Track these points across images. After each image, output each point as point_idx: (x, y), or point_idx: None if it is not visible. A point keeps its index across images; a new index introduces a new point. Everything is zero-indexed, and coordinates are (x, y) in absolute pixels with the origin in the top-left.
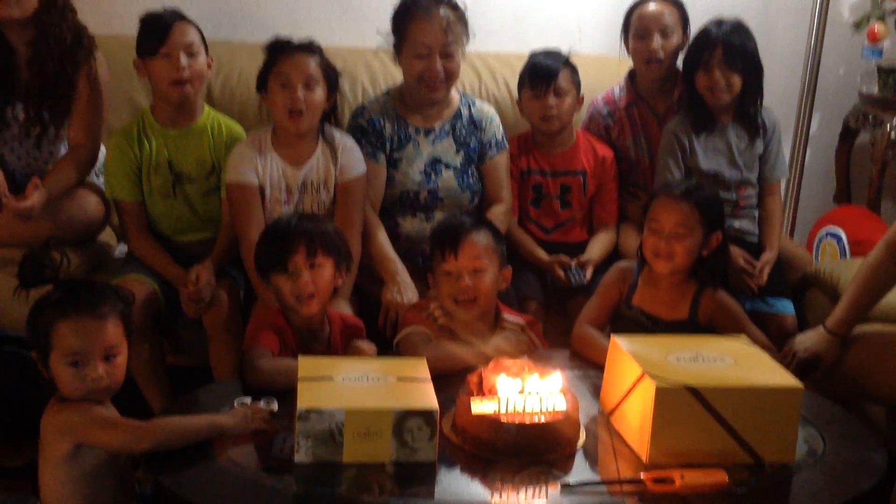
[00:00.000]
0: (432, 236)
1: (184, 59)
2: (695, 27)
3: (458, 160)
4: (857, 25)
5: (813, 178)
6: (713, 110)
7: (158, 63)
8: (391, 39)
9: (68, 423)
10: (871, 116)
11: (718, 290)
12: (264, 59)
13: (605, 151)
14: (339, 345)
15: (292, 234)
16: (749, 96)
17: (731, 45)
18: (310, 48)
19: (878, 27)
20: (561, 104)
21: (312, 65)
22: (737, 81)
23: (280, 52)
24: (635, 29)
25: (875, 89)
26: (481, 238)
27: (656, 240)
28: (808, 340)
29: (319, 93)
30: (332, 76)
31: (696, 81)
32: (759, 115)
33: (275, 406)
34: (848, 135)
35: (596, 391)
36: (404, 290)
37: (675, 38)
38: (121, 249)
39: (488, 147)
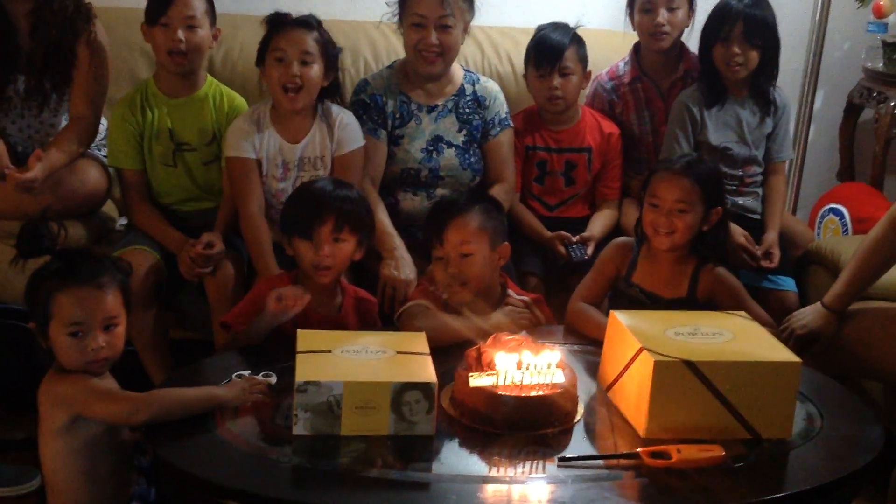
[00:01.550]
0: (426, 220)
1: (181, 32)
2: (700, 2)
3: (460, 138)
4: (863, 0)
5: (816, 154)
6: (727, 84)
7: (158, 32)
8: (396, 10)
9: (65, 395)
10: (875, 92)
11: (717, 266)
12: (263, 34)
13: (610, 128)
14: (349, 315)
15: (324, 204)
16: (765, 72)
17: (752, 19)
18: (307, 23)
19: (883, 2)
20: (566, 84)
21: (310, 41)
22: (754, 56)
23: (277, 26)
24: (641, 3)
25: (880, 65)
26: (469, 221)
27: (656, 216)
28: (806, 317)
29: (316, 69)
30: (330, 53)
31: (713, 54)
32: (772, 93)
33: (273, 379)
34: (852, 111)
35: (592, 367)
36: (402, 265)
37: (681, 13)
38: (122, 222)
39: (492, 125)
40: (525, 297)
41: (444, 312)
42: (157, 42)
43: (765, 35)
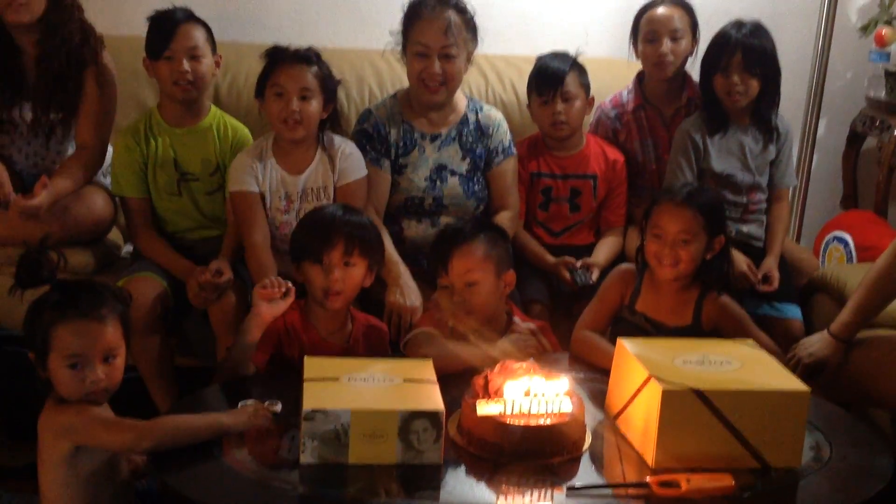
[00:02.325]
0: (430, 245)
1: (186, 64)
2: (703, 31)
3: (463, 167)
4: (865, 29)
5: (820, 182)
6: (729, 112)
7: (162, 66)
8: (399, 39)
9: (67, 425)
10: (878, 121)
11: (722, 294)
12: (263, 67)
13: (615, 155)
14: (359, 345)
15: (334, 228)
16: (766, 100)
17: (751, 49)
18: (307, 58)
19: (885, 31)
20: (569, 109)
21: (309, 76)
22: (755, 85)
23: (276, 60)
24: (645, 33)
25: (882, 94)
26: (474, 250)
27: (660, 247)
28: (812, 345)
29: (315, 104)
30: (329, 86)
31: (714, 84)
32: (774, 120)
33: (278, 407)
34: (855, 139)
35: (598, 395)
36: (407, 293)
37: (685, 43)
38: (127, 249)
39: (495, 154)
40: (531, 325)
41: (451, 339)
42: (162, 75)
43: (764, 63)
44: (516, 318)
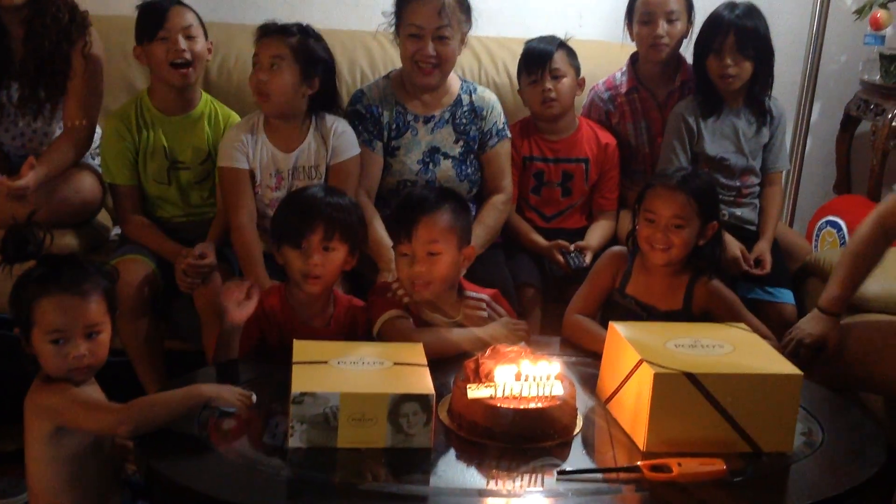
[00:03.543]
0: (392, 210)
1: (183, 42)
2: (698, 13)
3: (457, 149)
4: (860, 12)
5: (813, 166)
6: (723, 95)
7: (158, 47)
8: (392, 20)
9: (49, 405)
10: (872, 104)
11: (712, 279)
12: None
13: (607, 138)
14: (342, 325)
15: (314, 212)
16: (760, 82)
17: (744, 30)
18: (285, 29)
19: (880, 14)
20: (559, 86)
21: (281, 45)
22: (748, 67)
23: (260, 35)
24: (640, 14)
25: (877, 77)
26: (439, 220)
27: (652, 231)
28: (809, 326)
29: (287, 75)
30: (308, 58)
31: (707, 66)
32: (768, 103)
33: (253, 399)
34: (849, 123)
35: (589, 378)
36: None
37: (680, 25)
38: (116, 231)
39: (489, 136)
40: (483, 295)
41: (409, 318)
42: (156, 57)
43: (757, 45)
44: (468, 291)
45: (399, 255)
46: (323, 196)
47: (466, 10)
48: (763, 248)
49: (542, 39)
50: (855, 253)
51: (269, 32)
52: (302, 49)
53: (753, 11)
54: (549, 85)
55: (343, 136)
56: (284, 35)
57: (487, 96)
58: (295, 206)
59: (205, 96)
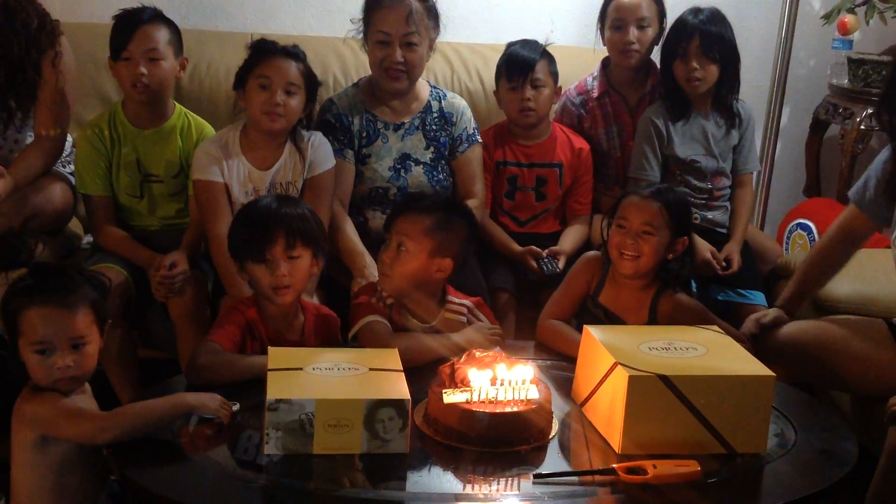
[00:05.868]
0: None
1: (143, 67)
2: (670, 18)
3: (427, 156)
4: (828, 17)
5: (783, 170)
6: (691, 98)
7: (122, 67)
8: (361, 27)
9: (33, 414)
10: (841, 108)
11: (677, 292)
12: (246, 57)
13: (581, 143)
14: (312, 334)
15: (271, 223)
16: (726, 85)
17: (709, 35)
18: (295, 54)
19: (848, 19)
20: (538, 97)
21: (295, 71)
22: (713, 71)
23: (264, 53)
24: (611, 20)
25: (845, 81)
26: (419, 221)
27: (623, 237)
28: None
29: (298, 101)
30: (312, 85)
31: (674, 70)
32: (736, 105)
33: (236, 407)
34: (818, 127)
35: (564, 382)
36: None
37: (651, 31)
38: (88, 240)
39: (459, 142)
40: (466, 301)
41: (390, 324)
42: (121, 76)
43: (722, 49)
44: (450, 296)
45: (385, 239)
46: (277, 206)
47: (434, 16)
48: (732, 248)
49: (524, 45)
50: (809, 261)
51: (278, 53)
52: (308, 77)
53: (717, 16)
54: (528, 94)
55: (320, 149)
56: (294, 60)
57: (457, 102)
58: (251, 220)
59: (178, 108)
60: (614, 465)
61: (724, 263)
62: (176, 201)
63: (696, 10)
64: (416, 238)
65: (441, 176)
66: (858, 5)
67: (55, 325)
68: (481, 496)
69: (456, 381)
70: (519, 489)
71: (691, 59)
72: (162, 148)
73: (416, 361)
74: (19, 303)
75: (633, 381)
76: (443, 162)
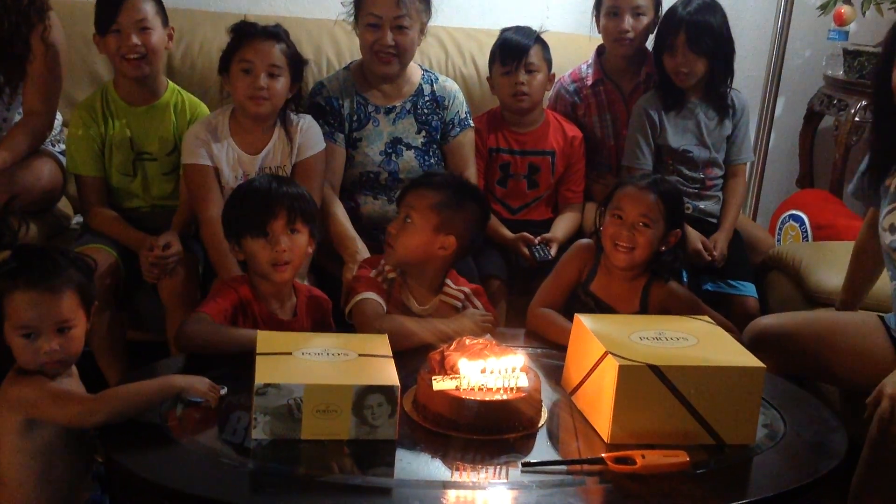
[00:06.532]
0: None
1: (135, 37)
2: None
3: (419, 140)
4: (824, 8)
5: (777, 161)
6: (684, 88)
7: (111, 40)
8: (352, 10)
9: (20, 397)
10: (835, 100)
11: (669, 281)
12: (228, 42)
13: (574, 131)
14: (305, 316)
15: (273, 199)
16: (718, 76)
17: (696, 26)
18: (276, 35)
19: (844, 10)
20: (532, 81)
21: (277, 52)
22: (700, 65)
23: (245, 36)
24: (607, 7)
25: (840, 72)
26: (427, 196)
27: (618, 229)
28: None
29: (283, 82)
30: (296, 65)
31: (664, 62)
32: (729, 96)
33: (224, 391)
34: (812, 118)
35: (554, 371)
36: None
37: (646, 19)
38: (77, 220)
39: (451, 126)
40: (465, 288)
41: (388, 303)
42: (111, 49)
43: (712, 40)
44: (448, 280)
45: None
46: (277, 185)
47: None
48: (719, 237)
49: (518, 31)
50: (851, 267)
51: (257, 36)
52: (292, 57)
53: (708, 6)
54: (522, 79)
55: (309, 132)
56: (275, 41)
57: (449, 86)
58: (251, 197)
59: (171, 86)
60: (603, 455)
61: (715, 254)
62: (169, 180)
63: (686, 1)
64: (422, 211)
65: (433, 160)
66: None
67: (40, 309)
68: (469, 484)
69: (445, 368)
70: (507, 477)
71: (678, 52)
72: (156, 125)
73: (399, 346)
74: (3, 286)
75: (623, 370)
76: (434, 146)
